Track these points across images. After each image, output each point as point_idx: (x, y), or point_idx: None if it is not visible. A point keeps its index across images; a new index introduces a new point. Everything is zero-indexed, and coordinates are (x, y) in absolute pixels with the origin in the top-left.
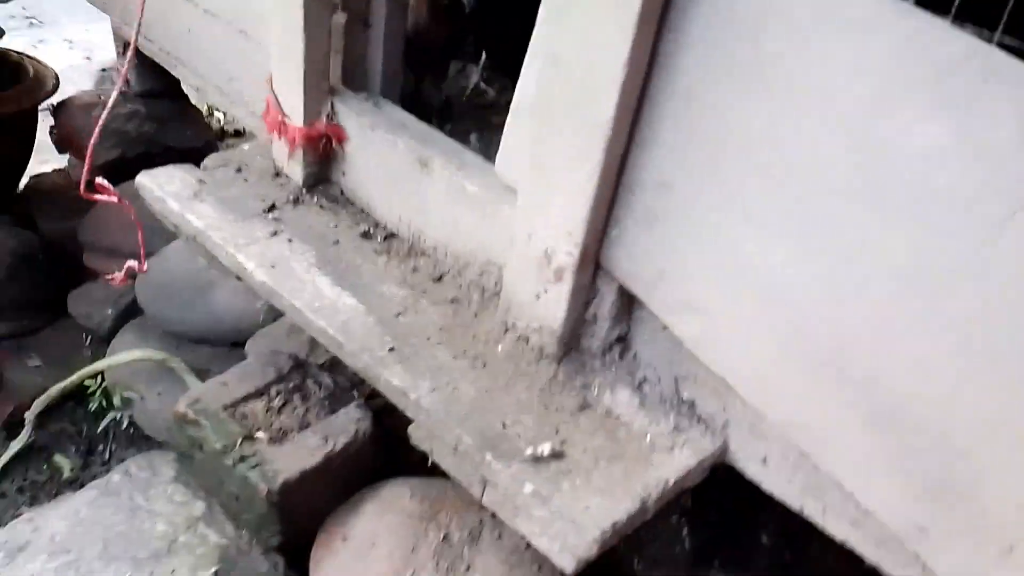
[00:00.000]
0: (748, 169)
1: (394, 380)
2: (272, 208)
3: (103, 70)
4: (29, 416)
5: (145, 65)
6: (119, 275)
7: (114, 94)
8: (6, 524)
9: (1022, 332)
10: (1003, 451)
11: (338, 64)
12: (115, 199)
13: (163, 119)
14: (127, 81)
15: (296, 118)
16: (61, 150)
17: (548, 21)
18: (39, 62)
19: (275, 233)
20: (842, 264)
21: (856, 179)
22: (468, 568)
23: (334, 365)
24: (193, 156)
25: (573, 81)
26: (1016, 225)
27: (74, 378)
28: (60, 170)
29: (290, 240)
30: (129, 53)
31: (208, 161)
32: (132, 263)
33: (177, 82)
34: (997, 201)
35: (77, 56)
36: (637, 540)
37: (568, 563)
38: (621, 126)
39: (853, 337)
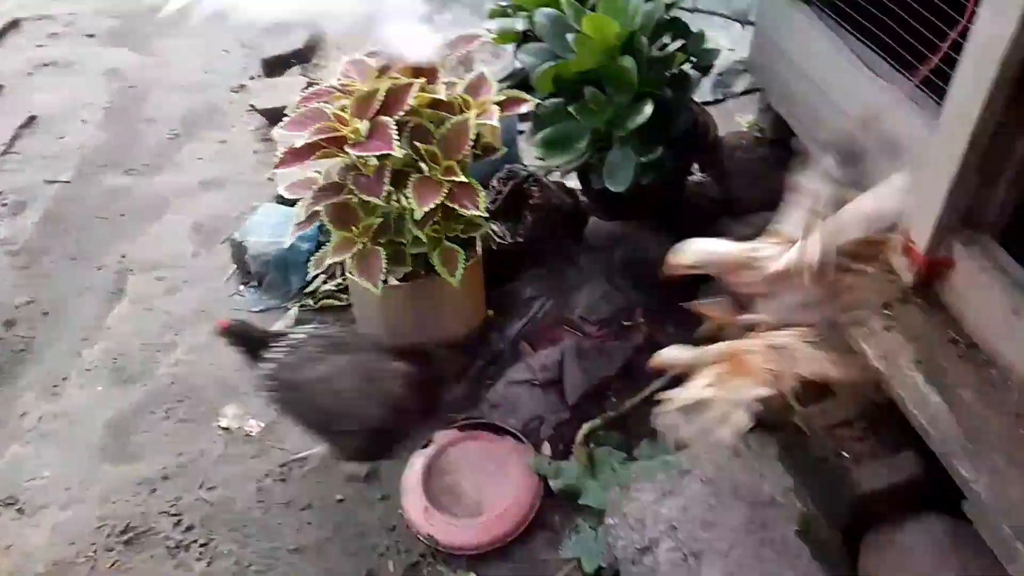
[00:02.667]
0: None
1: (962, 471)
2: (887, 306)
3: (719, 74)
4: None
5: (778, 120)
6: None
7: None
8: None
9: None
10: None
11: (963, 208)
12: None
13: (783, 161)
14: (760, 128)
15: (920, 244)
16: (703, 169)
17: None
18: (704, 109)
19: (888, 328)
20: None
21: None
22: None
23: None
24: None
25: None
26: None
27: None
28: (697, 182)
29: (897, 336)
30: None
31: None
32: None
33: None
34: None
35: None
36: None
37: None
38: None
39: None
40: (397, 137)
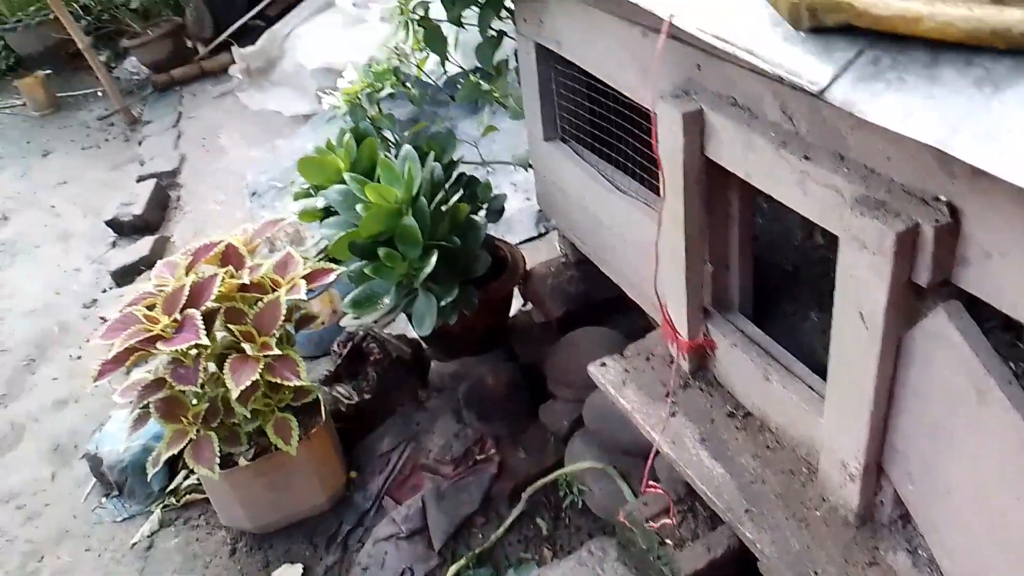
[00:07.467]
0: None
1: (748, 533)
2: (669, 393)
3: (539, 211)
4: (526, 494)
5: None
6: None
7: None
8: (519, 571)
9: None
10: None
11: (709, 294)
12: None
13: (591, 278)
14: (565, 254)
15: (683, 332)
16: (526, 301)
17: (834, 352)
18: (511, 247)
19: (673, 414)
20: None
21: None
22: None
23: None
24: (612, 304)
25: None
26: None
27: (552, 476)
28: (526, 312)
29: (683, 419)
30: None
31: (628, 350)
32: None
33: None
34: None
35: (521, 199)
36: None
37: None
38: (879, 406)
39: None
40: (203, 326)
